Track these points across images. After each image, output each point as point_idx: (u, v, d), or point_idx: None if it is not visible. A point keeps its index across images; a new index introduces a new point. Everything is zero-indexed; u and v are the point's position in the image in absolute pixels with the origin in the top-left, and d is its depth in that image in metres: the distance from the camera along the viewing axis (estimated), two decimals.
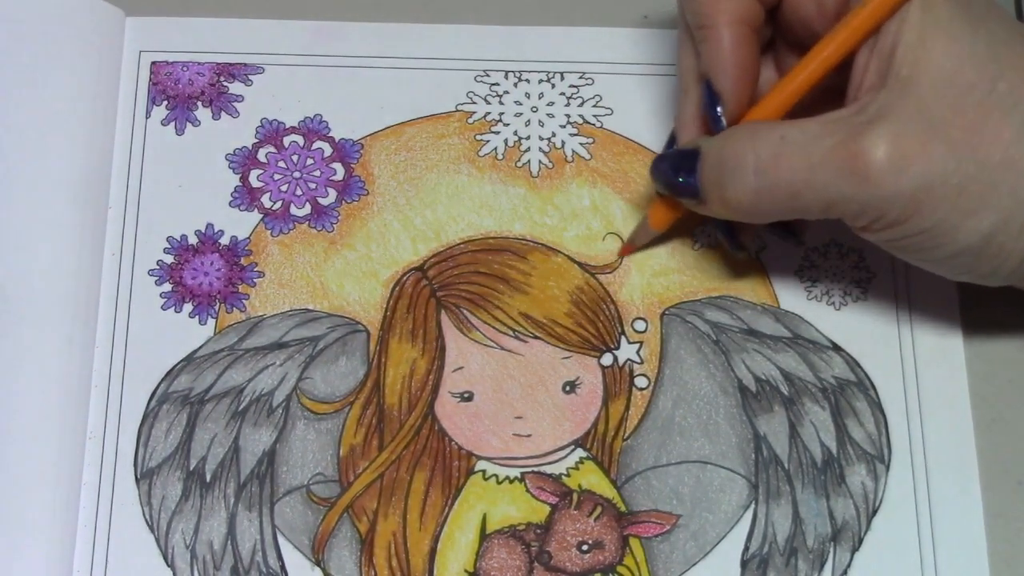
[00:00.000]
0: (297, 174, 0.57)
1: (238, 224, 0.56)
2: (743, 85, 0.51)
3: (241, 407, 0.53)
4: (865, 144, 0.46)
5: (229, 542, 0.51)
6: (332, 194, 0.57)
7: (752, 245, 0.55)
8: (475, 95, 0.58)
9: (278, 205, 0.56)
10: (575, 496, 0.52)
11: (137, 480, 0.52)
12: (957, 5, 0.47)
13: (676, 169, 0.51)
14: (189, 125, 0.57)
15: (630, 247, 0.56)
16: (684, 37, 0.53)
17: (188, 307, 0.55)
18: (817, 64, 0.49)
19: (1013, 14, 0.60)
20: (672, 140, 0.54)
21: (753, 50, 0.51)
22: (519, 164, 0.57)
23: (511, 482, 0.53)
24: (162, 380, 0.53)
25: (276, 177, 0.57)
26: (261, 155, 0.57)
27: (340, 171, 0.57)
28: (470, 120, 0.58)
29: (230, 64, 0.58)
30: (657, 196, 0.53)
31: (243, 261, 0.56)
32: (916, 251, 0.49)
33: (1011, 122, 0.46)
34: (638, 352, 0.54)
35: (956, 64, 0.46)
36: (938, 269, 0.50)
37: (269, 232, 0.56)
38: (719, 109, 0.51)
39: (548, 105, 0.58)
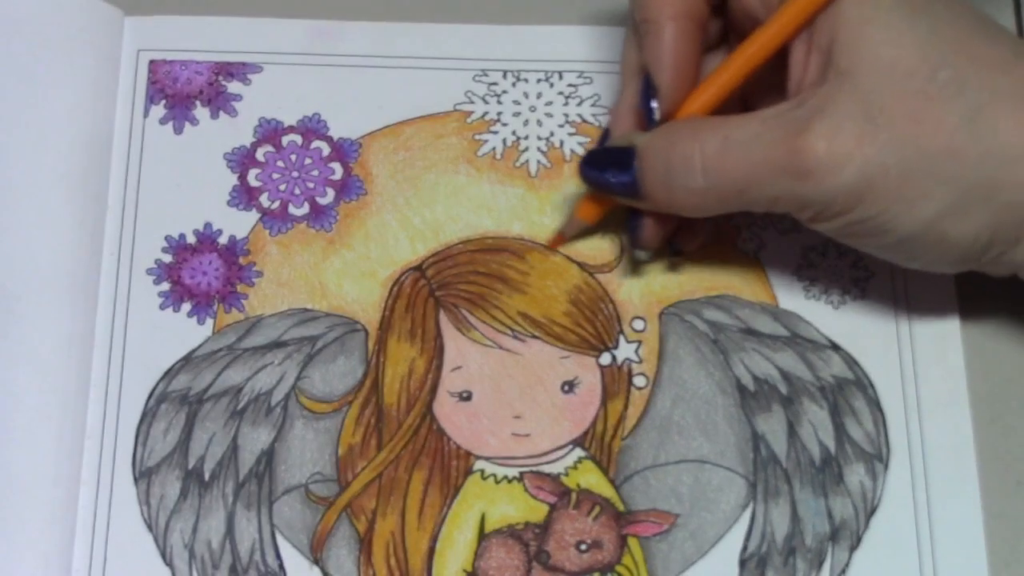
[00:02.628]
0: (295, 174, 0.57)
1: (237, 223, 0.56)
2: (681, 80, 0.50)
3: (240, 406, 0.53)
4: (805, 140, 0.46)
5: (228, 541, 0.51)
6: (331, 194, 0.57)
7: (689, 244, 0.55)
8: (473, 95, 0.58)
9: (276, 205, 0.56)
10: (574, 496, 0.52)
11: (136, 479, 0.52)
12: None
13: (608, 167, 0.51)
14: (187, 124, 0.57)
15: (560, 238, 0.56)
16: (630, 31, 0.53)
17: (187, 306, 0.55)
18: (747, 59, 0.50)
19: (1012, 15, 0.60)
20: (604, 139, 0.54)
21: (694, 45, 0.51)
22: (518, 164, 0.57)
23: (510, 481, 0.53)
24: (161, 379, 0.53)
25: (275, 176, 0.57)
26: (259, 154, 0.57)
27: (338, 170, 0.57)
28: (468, 120, 0.58)
29: (229, 63, 0.58)
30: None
31: (242, 261, 0.56)
32: (862, 238, 0.49)
33: (954, 109, 0.46)
34: (636, 351, 0.54)
35: (895, 53, 0.46)
36: (885, 255, 0.50)
37: (268, 232, 0.56)
38: (654, 103, 0.51)
39: (547, 104, 0.58)
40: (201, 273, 0.55)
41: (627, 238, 0.55)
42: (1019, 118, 0.46)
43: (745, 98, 0.53)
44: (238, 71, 0.58)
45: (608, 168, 0.51)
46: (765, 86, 0.51)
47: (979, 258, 0.49)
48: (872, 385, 0.54)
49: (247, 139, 0.57)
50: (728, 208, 0.50)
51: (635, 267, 0.55)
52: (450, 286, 0.55)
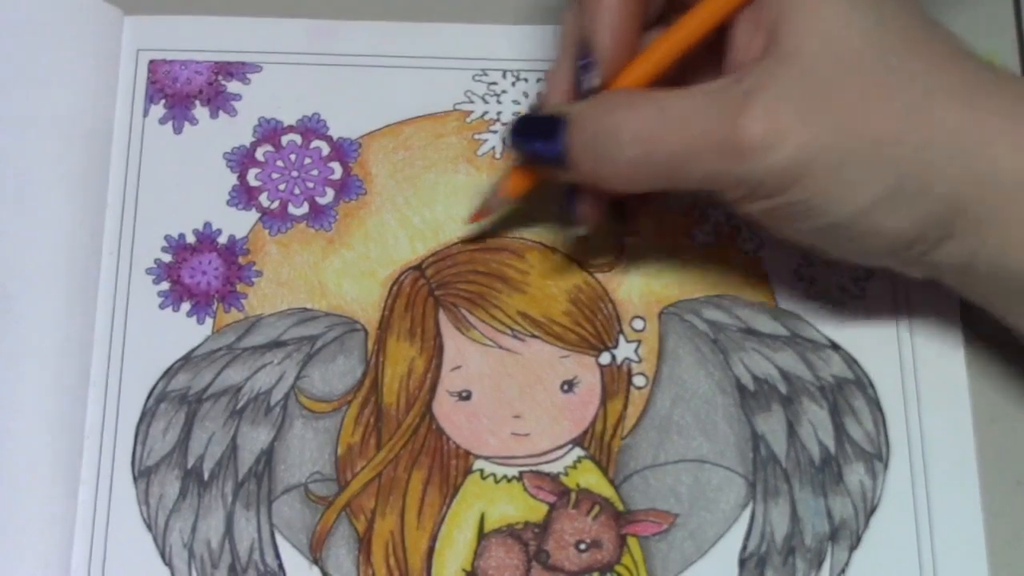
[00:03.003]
0: (295, 173, 0.57)
1: (236, 223, 0.56)
2: (619, 50, 0.49)
3: (239, 406, 0.53)
4: (744, 118, 0.45)
5: (227, 540, 0.51)
6: (330, 193, 0.57)
7: (634, 225, 0.54)
8: (473, 94, 0.58)
9: (276, 204, 0.56)
10: (573, 495, 0.52)
11: (135, 478, 0.52)
12: None
13: (537, 136, 0.50)
14: (187, 124, 0.57)
15: (482, 212, 0.55)
16: (570, 2, 0.52)
17: (186, 306, 0.55)
18: (687, 32, 0.49)
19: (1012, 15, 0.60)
20: (537, 105, 0.53)
21: (635, 18, 0.50)
22: (517, 163, 0.57)
23: (509, 481, 0.53)
24: (160, 379, 0.53)
25: (274, 176, 0.57)
26: (259, 154, 0.57)
27: (338, 170, 0.57)
28: (468, 119, 0.58)
29: (228, 63, 0.58)
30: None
31: (241, 260, 0.56)
32: (792, 221, 0.48)
33: (898, 97, 0.45)
34: (636, 351, 0.54)
35: (843, 35, 0.46)
36: (810, 240, 0.49)
37: (267, 231, 0.56)
38: (591, 73, 0.49)
39: None
40: (201, 273, 0.55)
41: (564, 213, 0.53)
42: (961, 108, 0.45)
43: (681, 77, 0.51)
44: (237, 71, 0.58)
45: (537, 136, 0.50)
46: (702, 64, 0.50)
47: (903, 253, 0.48)
48: (872, 385, 0.54)
49: (247, 139, 0.57)
50: (657, 184, 0.48)
51: (633, 265, 0.55)
52: (449, 285, 0.55)
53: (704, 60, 0.50)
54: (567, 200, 0.52)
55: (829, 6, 0.46)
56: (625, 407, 0.54)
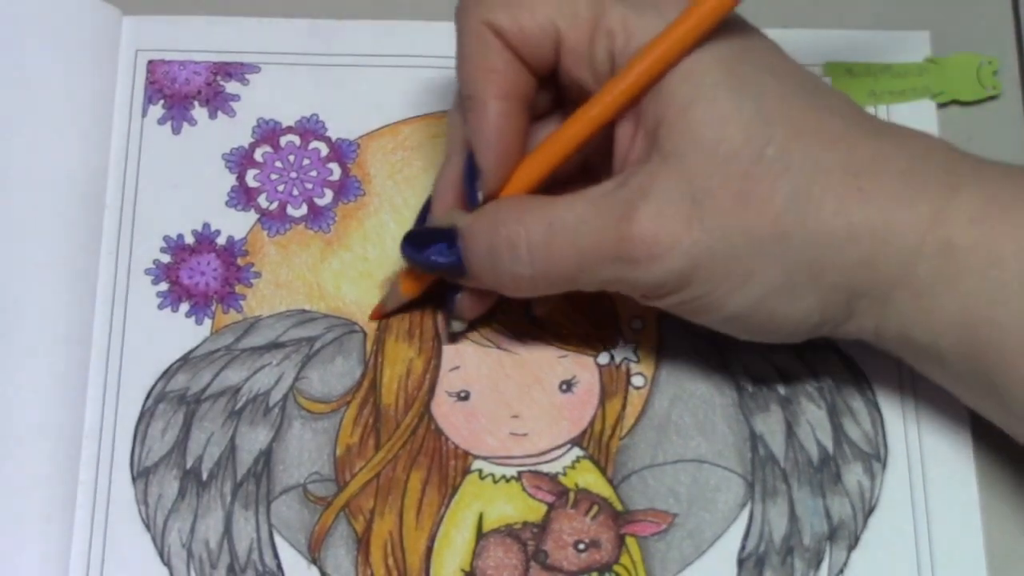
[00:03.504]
0: (294, 174, 0.57)
1: (235, 224, 0.56)
2: (504, 161, 0.49)
3: (238, 406, 0.53)
4: (631, 227, 0.45)
5: (225, 541, 0.51)
6: (329, 194, 0.57)
7: (540, 309, 0.54)
8: None
9: (275, 205, 0.56)
10: (572, 495, 0.52)
11: (134, 479, 0.52)
12: (721, 69, 0.45)
13: (432, 247, 0.49)
14: (186, 124, 0.57)
15: (381, 309, 0.55)
16: (456, 101, 0.51)
17: (185, 307, 0.55)
18: (572, 136, 0.48)
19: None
20: (425, 211, 0.53)
21: (519, 124, 0.49)
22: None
23: (508, 481, 0.53)
24: (159, 379, 0.53)
25: (273, 177, 0.57)
26: (258, 155, 0.57)
27: (336, 171, 0.57)
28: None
29: (227, 63, 0.58)
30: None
31: (240, 261, 0.56)
32: (692, 314, 0.48)
33: (779, 189, 0.45)
34: (635, 351, 0.54)
35: (719, 134, 0.45)
36: (721, 329, 0.49)
37: (266, 232, 0.56)
38: (477, 182, 0.49)
39: None
40: (199, 273, 0.55)
41: (442, 309, 0.54)
42: (844, 195, 0.45)
43: (586, 164, 0.51)
44: (236, 71, 0.58)
45: (431, 248, 0.49)
46: (604, 154, 0.49)
47: (813, 333, 0.48)
48: (870, 385, 0.54)
49: (245, 139, 0.57)
50: (558, 290, 0.49)
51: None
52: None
53: (603, 148, 0.49)
54: (447, 297, 0.52)
55: (706, 104, 0.45)
56: (624, 407, 0.54)
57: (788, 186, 0.45)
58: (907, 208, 0.45)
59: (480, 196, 0.49)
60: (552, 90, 0.51)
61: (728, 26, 0.46)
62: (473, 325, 0.54)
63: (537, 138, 0.50)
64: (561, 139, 0.48)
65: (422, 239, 0.50)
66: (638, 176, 0.46)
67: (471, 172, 0.49)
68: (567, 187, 0.48)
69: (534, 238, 0.47)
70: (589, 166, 0.51)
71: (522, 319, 0.54)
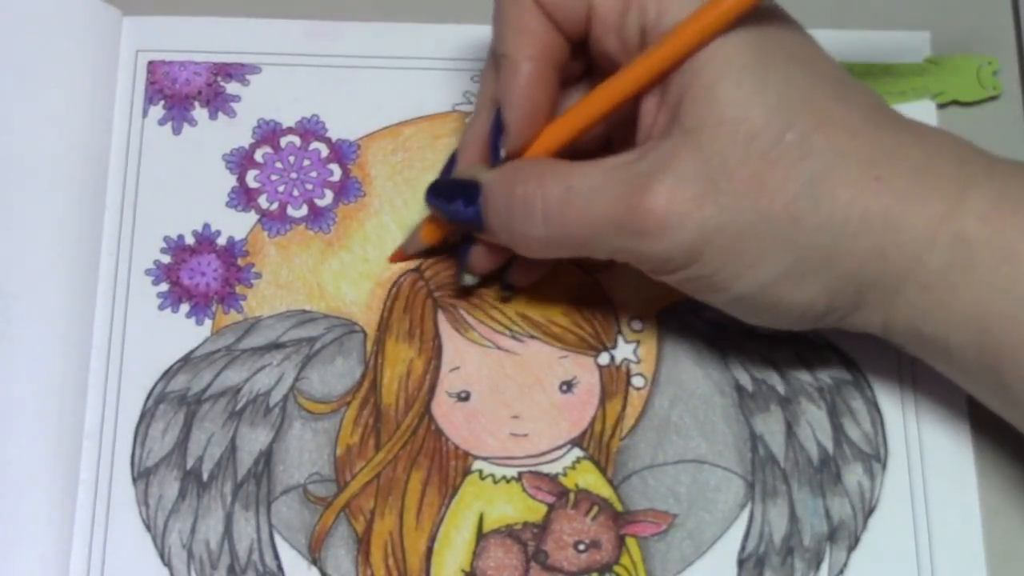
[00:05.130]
0: (294, 175, 0.57)
1: (235, 224, 0.56)
2: (531, 121, 0.49)
3: (238, 407, 0.53)
4: (644, 199, 0.45)
5: (226, 541, 0.51)
6: (329, 195, 0.57)
7: (522, 280, 0.55)
8: (472, 95, 0.58)
9: (275, 206, 0.56)
10: (572, 496, 0.52)
11: (134, 479, 0.52)
12: (751, 53, 0.46)
13: (454, 198, 0.50)
14: (186, 125, 0.57)
15: (400, 254, 0.56)
16: (490, 60, 0.52)
17: (185, 307, 0.55)
18: (599, 105, 0.48)
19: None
20: (451, 164, 0.54)
21: (549, 87, 0.50)
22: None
23: (508, 481, 0.53)
24: (159, 380, 0.53)
25: (273, 178, 0.57)
26: (258, 155, 0.57)
27: (337, 172, 0.57)
28: (467, 120, 0.58)
29: (227, 64, 0.58)
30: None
31: (240, 262, 0.56)
32: (700, 293, 0.48)
33: (796, 175, 0.45)
34: (635, 351, 0.54)
35: (741, 114, 0.45)
36: (727, 310, 0.49)
37: (266, 233, 0.56)
38: (501, 141, 0.50)
39: None
40: (200, 274, 0.55)
41: (456, 261, 0.54)
42: (860, 184, 0.45)
43: (610, 134, 0.52)
44: (237, 72, 0.58)
45: (454, 199, 0.50)
46: (627, 132, 0.50)
47: (819, 321, 0.48)
48: (870, 385, 0.54)
49: (246, 140, 0.57)
50: (569, 254, 0.49)
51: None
52: (448, 287, 0.55)
53: (627, 119, 0.50)
54: (460, 249, 0.53)
55: (731, 85, 0.45)
56: (624, 407, 0.54)
57: (806, 172, 0.45)
58: (921, 201, 0.45)
59: (503, 153, 0.50)
60: (583, 60, 0.51)
61: (761, 12, 0.47)
62: (486, 282, 0.54)
63: (564, 106, 0.51)
64: (587, 107, 0.49)
65: (445, 190, 0.51)
66: (657, 150, 0.46)
67: (497, 129, 0.50)
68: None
69: (549, 200, 0.47)
70: (612, 142, 0.51)
71: (521, 318, 0.54)
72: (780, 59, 0.46)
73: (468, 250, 0.52)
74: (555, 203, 0.47)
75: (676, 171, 0.45)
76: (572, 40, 0.50)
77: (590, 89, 0.50)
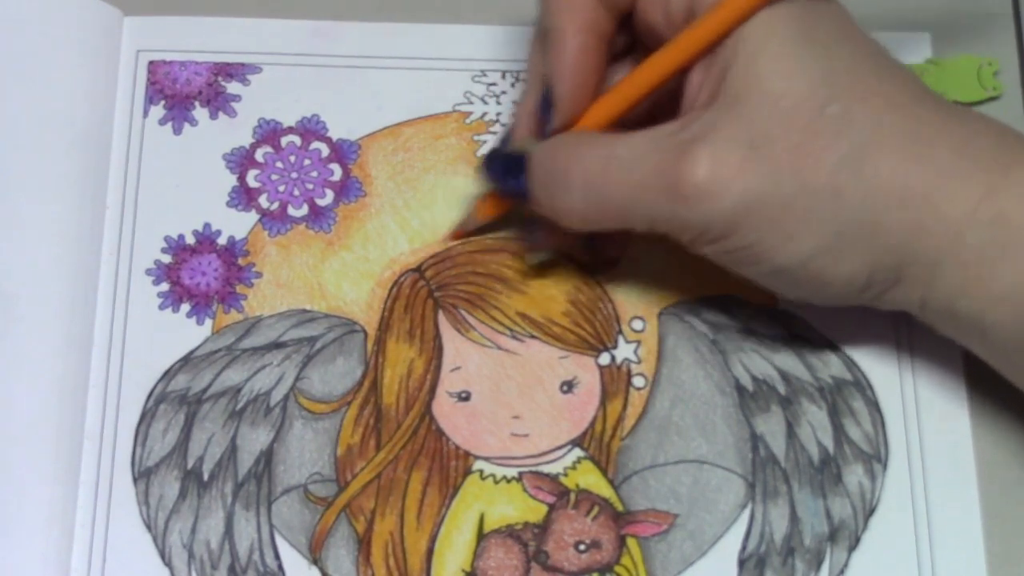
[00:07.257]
0: (294, 175, 0.57)
1: (236, 224, 0.56)
2: (579, 94, 0.50)
3: (238, 407, 0.53)
4: (685, 165, 0.45)
5: (226, 541, 0.51)
6: (329, 195, 0.57)
7: (611, 252, 0.55)
8: (472, 95, 0.58)
9: (275, 206, 0.56)
10: (572, 496, 0.52)
11: (135, 479, 0.52)
12: (796, 26, 0.46)
13: (504, 170, 0.51)
14: (187, 125, 0.57)
15: (460, 232, 0.56)
16: (537, 35, 0.53)
17: (186, 307, 0.55)
18: (645, 78, 0.49)
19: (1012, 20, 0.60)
20: (506, 138, 0.54)
21: (597, 60, 0.50)
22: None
23: (508, 482, 0.53)
24: (160, 380, 0.53)
25: (273, 178, 0.57)
26: (259, 155, 0.57)
27: (337, 172, 0.57)
28: (467, 120, 0.58)
29: (228, 64, 0.58)
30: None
31: (241, 261, 0.56)
32: (738, 265, 0.48)
33: (838, 147, 0.45)
34: (635, 352, 0.54)
35: (785, 85, 0.45)
36: (764, 283, 0.49)
37: (267, 233, 0.56)
38: (551, 113, 0.50)
39: None
40: (200, 274, 0.55)
41: (526, 237, 0.55)
42: (902, 158, 0.45)
43: (654, 111, 0.52)
44: (237, 72, 0.58)
45: (504, 171, 0.51)
46: (672, 106, 0.50)
47: (858, 296, 0.48)
48: (870, 386, 0.54)
49: (246, 140, 0.57)
50: (609, 225, 0.49)
51: (632, 265, 0.55)
52: (449, 287, 0.55)
53: (669, 104, 0.50)
54: (526, 226, 0.54)
55: (775, 56, 0.46)
56: (624, 408, 0.54)
57: (847, 144, 0.45)
58: (962, 177, 0.45)
59: (552, 125, 0.50)
60: (628, 34, 0.52)
61: None
62: (559, 261, 0.55)
63: (611, 81, 0.51)
64: (636, 80, 0.49)
65: (498, 161, 0.52)
66: (700, 120, 0.46)
67: (546, 103, 0.50)
68: None
69: (590, 170, 0.48)
70: (656, 120, 0.51)
71: (523, 318, 0.54)
72: (823, 32, 0.47)
73: (531, 227, 0.53)
74: (596, 171, 0.48)
75: (718, 139, 0.45)
76: (618, 14, 0.50)
77: (634, 65, 0.50)
